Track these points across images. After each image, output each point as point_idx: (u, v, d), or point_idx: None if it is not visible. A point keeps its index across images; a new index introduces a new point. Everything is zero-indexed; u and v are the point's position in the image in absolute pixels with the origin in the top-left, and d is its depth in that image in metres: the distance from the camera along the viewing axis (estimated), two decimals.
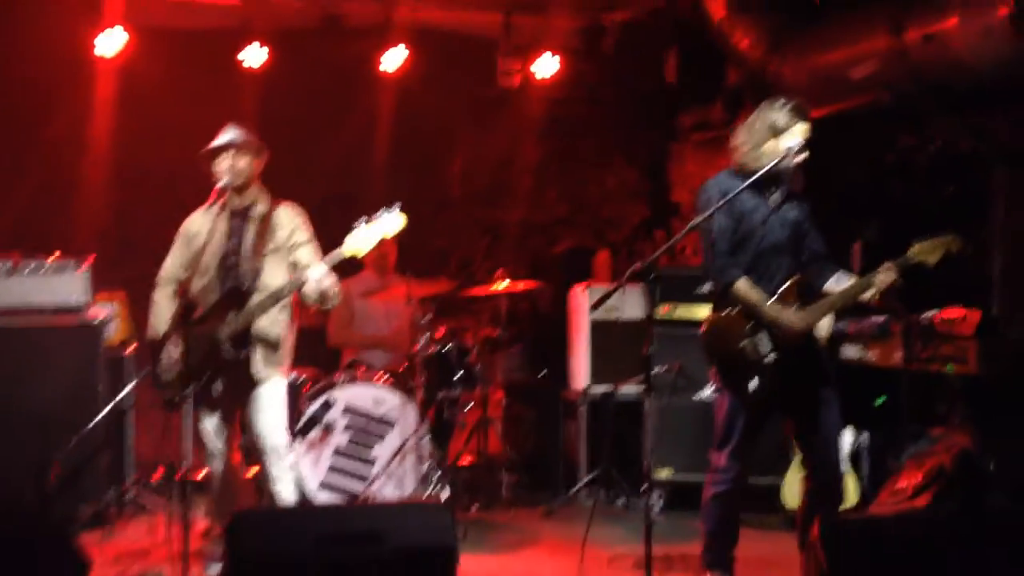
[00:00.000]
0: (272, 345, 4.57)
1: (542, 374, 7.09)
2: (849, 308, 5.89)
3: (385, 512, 3.82)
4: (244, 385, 4.53)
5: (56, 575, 3.74)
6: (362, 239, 4.36)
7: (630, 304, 6.23)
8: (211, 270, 4.58)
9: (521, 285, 6.42)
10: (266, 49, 6.86)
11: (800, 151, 4.08)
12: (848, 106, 6.36)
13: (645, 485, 4.01)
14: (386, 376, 5.85)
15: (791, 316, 4.02)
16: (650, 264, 3.92)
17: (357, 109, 7.44)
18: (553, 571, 4.42)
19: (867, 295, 4.04)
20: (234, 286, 4.50)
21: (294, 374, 5.96)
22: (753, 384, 4.02)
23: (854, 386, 5.71)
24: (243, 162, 4.60)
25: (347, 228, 7.14)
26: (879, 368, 5.55)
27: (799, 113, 4.10)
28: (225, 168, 4.56)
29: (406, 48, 7.05)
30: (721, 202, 4.02)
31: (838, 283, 4.12)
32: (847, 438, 5.45)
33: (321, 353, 6.72)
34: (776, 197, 4.19)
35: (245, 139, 4.63)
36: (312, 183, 7.32)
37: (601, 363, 6.31)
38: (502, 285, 6.27)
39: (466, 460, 6.69)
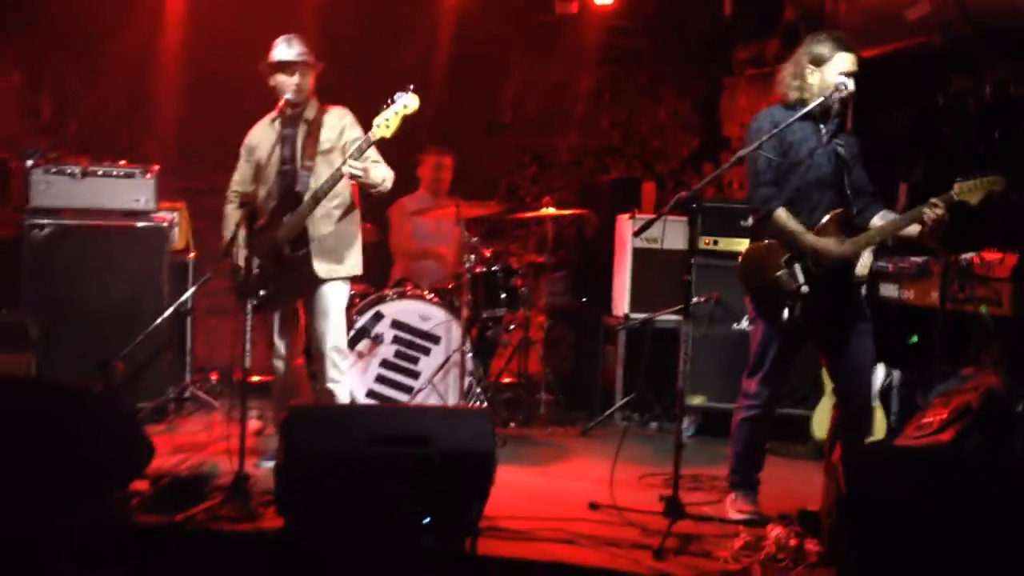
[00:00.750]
0: (330, 245, 4.77)
1: (584, 299, 7.26)
2: (889, 247, 6.06)
3: (432, 416, 4.03)
4: (305, 287, 4.75)
5: (125, 457, 4.06)
6: (385, 122, 4.55)
7: (672, 234, 6.34)
8: (271, 178, 4.80)
9: (567, 212, 6.57)
10: None
11: (848, 83, 4.14)
12: (901, 47, 6.38)
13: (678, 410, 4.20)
14: (433, 293, 6.08)
15: (828, 243, 4.13)
16: (694, 194, 4.07)
17: (415, 30, 7.56)
18: (585, 486, 4.63)
19: (913, 230, 4.12)
20: (289, 190, 4.71)
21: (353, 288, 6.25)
22: (786, 314, 4.15)
23: (890, 324, 5.85)
24: (303, 80, 4.78)
25: (406, 148, 7.44)
26: (915, 307, 5.65)
27: (841, 44, 4.17)
28: (287, 84, 4.75)
29: None
30: (771, 133, 4.12)
31: (883, 220, 4.22)
32: (879, 374, 5.59)
33: (371, 269, 6.96)
34: (827, 131, 4.27)
35: (306, 57, 4.80)
36: (368, 101, 7.46)
37: (641, 291, 6.46)
38: (549, 211, 6.43)
39: (507, 378, 6.96)
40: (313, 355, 4.88)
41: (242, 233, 4.67)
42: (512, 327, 6.69)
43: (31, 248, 5.53)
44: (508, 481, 4.76)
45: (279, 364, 4.90)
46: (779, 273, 4.18)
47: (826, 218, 4.20)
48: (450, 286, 6.23)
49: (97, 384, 4.84)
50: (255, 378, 5.57)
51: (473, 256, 6.01)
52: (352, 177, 4.57)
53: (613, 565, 3.63)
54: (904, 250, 5.82)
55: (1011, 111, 6.25)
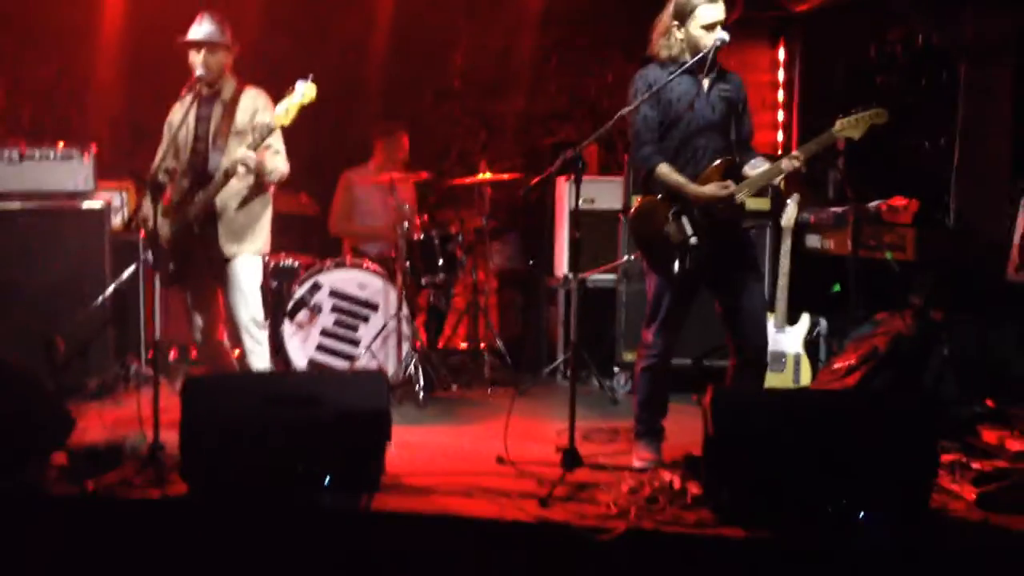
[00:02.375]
0: (238, 223, 4.90)
1: (531, 262, 7.38)
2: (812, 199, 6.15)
3: (325, 378, 4.18)
4: (216, 262, 4.90)
5: (41, 429, 4.22)
6: (285, 111, 4.68)
7: (607, 195, 6.49)
8: (185, 156, 4.93)
9: (504, 176, 6.69)
10: None
11: (707, 33, 4.21)
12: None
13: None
14: (371, 262, 6.21)
15: (712, 187, 4.22)
16: (577, 153, 4.17)
17: (356, 1, 7.65)
18: (500, 443, 4.76)
19: (775, 180, 4.24)
20: (202, 169, 4.85)
21: (290, 260, 6.40)
22: (676, 265, 4.27)
23: (815, 274, 5.98)
24: (215, 59, 4.90)
25: (351, 118, 7.55)
26: (836, 256, 5.76)
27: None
28: (199, 62, 4.86)
29: None
30: (646, 95, 4.22)
31: (752, 168, 4.32)
32: (803, 323, 5.70)
33: (313, 240, 7.12)
34: (709, 79, 4.36)
35: (219, 36, 4.90)
36: (313, 75, 7.58)
37: (581, 251, 6.55)
38: (485, 176, 6.54)
39: (454, 343, 7.11)
40: (226, 328, 5.03)
41: (152, 208, 4.83)
42: (453, 293, 6.85)
43: None
44: (424, 441, 4.97)
45: (198, 337, 5.07)
46: (667, 227, 4.29)
47: (710, 167, 4.29)
48: (392, 255, 6.37)
49: (18, 359, 4.96)
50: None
51: (406, 223, 6.13)
52: (242, 165, 4.69)
53: (500, 515, 3.77)
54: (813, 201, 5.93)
55: (935, 61, 6.33)
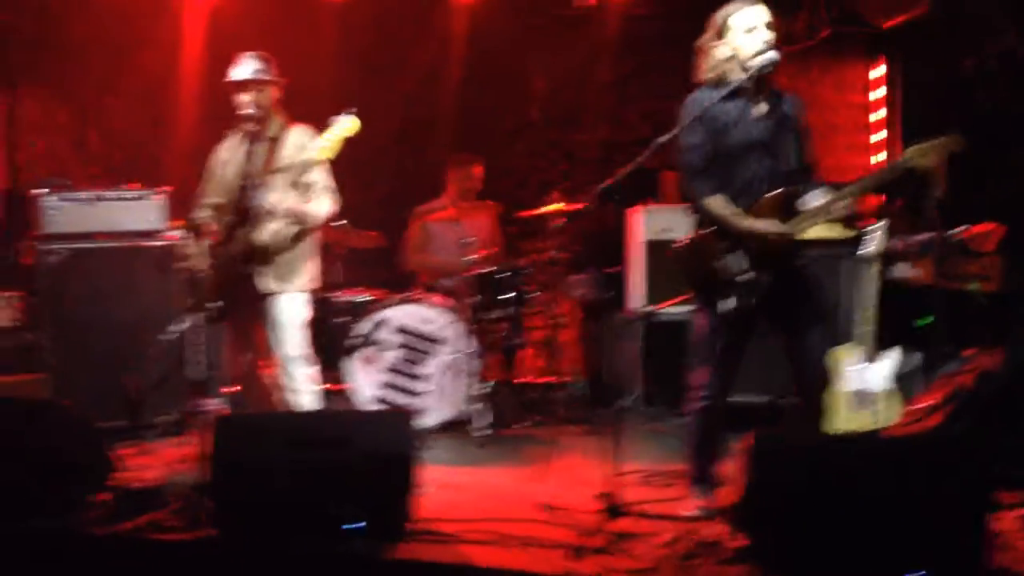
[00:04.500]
0: (281, 260, 4.85)
1: (611, 294, 7.16)
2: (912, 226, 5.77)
3: (352, 419, 4.07)
4: (259, 301, 4.87)
5: (84, 469, 4.24)
6: (328, 144, 4.56)
7: (685, 225, 6.22)
8: (230, 193, 4.94)
9: (575, 206, 6.50)
10: None
11: (769, 56, 3.95)
12: (918, 14, 6.08)
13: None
14: (438, 295, 6.11)
15: (767, 224, 3.96)
16: (616, 182, 3.98)
17: (433, 33, 7.64)
18: (551, 487, 4.54)
19: (839, 214, 3.93)
20: (246, 206, 4.82)
21: (363, 295, 6.36)
22: (729, 303, 4.01)
23: (905, 305, 5.59)
24: (264, 95, 4.89)
25: (430, 150, 7.51)
26: (924, 287, 5.38)
27: (737, 4, 3.98)
28: (242, 102, 4.87)
29: None
30: (690, 121, 4.00)
31: (812, 199, 4.02)
32: (894, 358, 5.32)
33: (380, 275, 7.08)
34: (763, 101, 4.09)
35: (266, 73, 4.91)
36: (390, 109, 7.61)
37: (656, 283, 6.33)
38: (557, 206, 6.38)
39: (526, 378, 6.95)
40: (271, 363, 4.98)
41: (199, 245, 4.87)
42: (527, 327, 6.69)
43: (44, 272, 5.81)
44: (474, 482, 4.82)
45: (246, 376, 5.03)
46: (719, 261, 4.04)
47: (764, 199, 4.02)
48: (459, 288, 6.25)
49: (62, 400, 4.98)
50: None
51: (473, 257, 6.01)
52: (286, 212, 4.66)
53: (526, 566, 3.57)
54: (908, 228, 5.56)
55: None
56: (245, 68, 4.91)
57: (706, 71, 4.08)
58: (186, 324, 5.88)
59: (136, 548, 3.86)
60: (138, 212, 6.08)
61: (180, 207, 6.23)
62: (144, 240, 6.05)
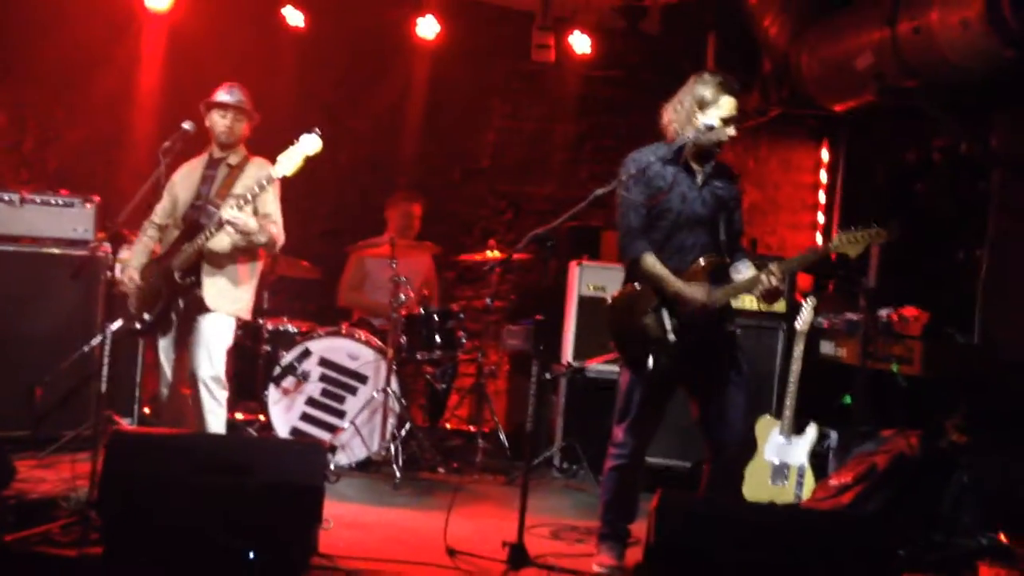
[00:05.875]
0: (221, 280, 4.82)
1: (540, 347, 7.11)
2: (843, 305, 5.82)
3: (260, 446, 3.96)
4: (190, 315, 4.80)
5: None
6: (289, 161, 4.60)
7: (618, 281, 6.22)
8: (181, 212, 4.94)
9: (512, 255, 6.46)
10: (300, 15, 7.08)
11: (722, 127, 4.01)
12: (863, 101, 6.21)
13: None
14: (365, 333, 6.03)
15: (695, 290, 3.97)
16: (548, 232, 3.97)
17: (393, 75, 7.63)
18: (460, 533, 4.43)
19: (753, 292, 3.97)
20: (194, 222, 4.81)
21: (288, 325, 6.25)
22: (651, 361, 3.99)
23: (826, 382, 5.63)
24: (239, 124, 4.97)
25: (378, 189, 7.46)
26: (847, 365, 5.41)
27: (725, 88, 4.04)
28: (219, 124, 4.93)
29: (437, 21, 7.16)
30: (630, 176, 4.02)
31: (736, 271, 4.07)
32: (810, 434, 5.33)
33: (310, 306, 6.99)
34: (703, 173, 4.14)
35: (243, 104, 4.97)
36: (344, 145, 7.59)
37: (585, 339, 6.31)
38: (493, 254, 6.36)
39: (450, 424, 6.86)
40: (189, 383, 4.88)
41: (136, 259, 4.91)
42: (455, 373, 6.63)
43: None
44: (383, 522, 4.74)
45: (164, 390, 4.94)
46: (646, 319, 4.03)
47: (696, 264, 4.04)
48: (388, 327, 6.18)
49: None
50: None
51: (403, 296, 5.95)
52: (227, 223, 4.58)
53: None
54: (838, 307, 5.61)
55: (974, 170, 6.03)
56: (232, 94, 4.98)
57: (680, 130, 4.10)
58: (99, 338, 5.74)
59: (16, 560, 3.69)
60: (65, 220, 5.92)
61: (112, 219, 6.14)
62: (68, 248, 5.89)
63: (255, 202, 4.77)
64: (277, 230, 4.92)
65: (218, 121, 4.96)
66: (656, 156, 4.11)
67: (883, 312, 4.99)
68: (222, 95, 5.00)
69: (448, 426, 6.96)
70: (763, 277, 3.91)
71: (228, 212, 4.61)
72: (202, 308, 4.81)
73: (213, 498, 3.62)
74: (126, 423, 6.03)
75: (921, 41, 4.96)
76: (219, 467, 3.67)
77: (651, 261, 4.03)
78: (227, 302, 4.86)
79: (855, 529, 3.37)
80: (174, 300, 4.83)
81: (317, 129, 4.67)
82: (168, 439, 3.89)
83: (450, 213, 7.85)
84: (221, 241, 4.79)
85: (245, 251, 4.90)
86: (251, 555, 3.62)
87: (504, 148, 8.02)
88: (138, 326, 4.96)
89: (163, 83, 7.33)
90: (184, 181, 5.01)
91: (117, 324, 5.76)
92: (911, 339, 4.78)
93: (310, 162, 4.69)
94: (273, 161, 4.70)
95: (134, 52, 7.30)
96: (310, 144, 4.63)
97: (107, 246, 5.95)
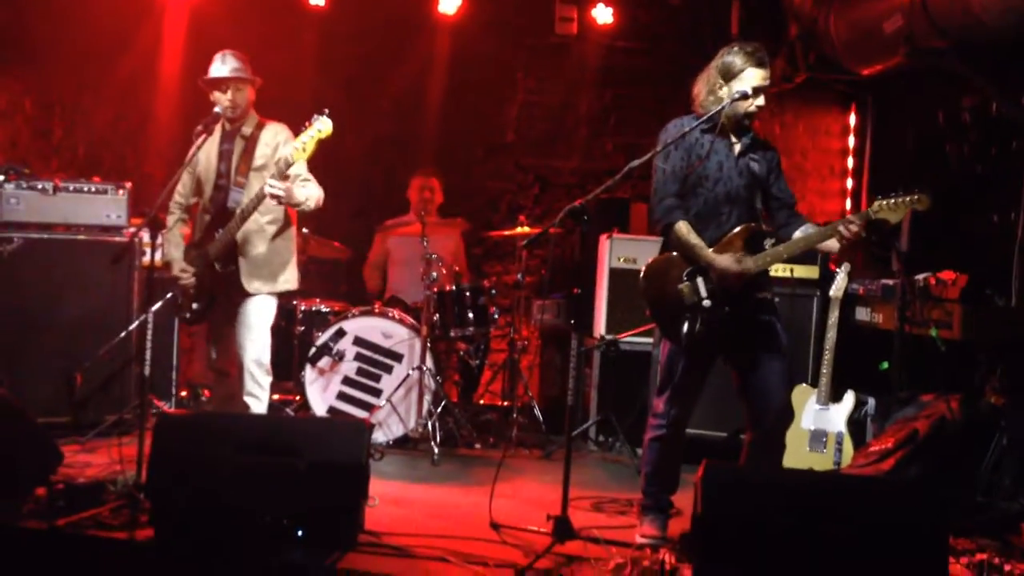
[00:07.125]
0: (261, 261, 4.81)
1: (572, 321, 7.12)
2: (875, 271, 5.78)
3: (304, 426, 3.99)
4: (235, 301, 4.81)
5: (29, 466, 4.13)
6: (302, 144, 4.54)
7: (651, 254, 6.20)
8: (208, 192, 4.90)
9: (540, 229, 6.46)
10: None
11: (751, 96, 3.98)
12: (892, 64, 6.14)
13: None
14: (399, 311, 6.05)
15: (726, 259, 3.96)
16: (583, 204, 3.96)
17: (415, 51, 7.61)
18: (503, 506, 4.45)
19: (832, 245, 3.93)
20: (222, 206, 4.78)
21: (321, 305, 6.28)
22: (686, 328, 3.98)
23: (863, 349, 5.60)
24: (242, 94, 4.85)
25: (403, 167, 7.46)
26: (884, 331, 5.38)
27: (752, 58, 4.00)
28: (221, 100, 4.81)
29: None
30: (665, 145, 4.00)
31: (803, 234, 4.02)
32: (848, 401, 5.32)
33: (342, 286, 7.00)
34: (741, 145, 4.11)
35: (239, 72, 4.85)
36: (367, 123, 7.57)
37: (617, 311, 6.31)
38: (522, 229, 6.35)
39: (484, 399, 6.88)
40: (234, 365, 4.90)
41: (175, 251, 4.91)
42: (488, 348, 6.64)
43: None
44: (424, 499, 4.76)
45: (216, 378, 4.96)
46: (680, 286, 4.02)
47: (732, 232, 4.02)
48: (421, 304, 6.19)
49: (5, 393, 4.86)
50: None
51: (435, 274, 5.96)
52: (272, 197, 4.57)
53: None
54: (875, 272, 5.57)
55: (1007, 130, 5.95)
56: (224, 66, 4.87)
57: (704, 102, 4.07)
58: (137, 323, 5.79)
59: (71, 544, 3.74)
60: (99, 206, 5.96)
61: (143, 204, 6.17)
62: (102, 235, 5.93)
63: (277, 174, 4.67)
64: (315, 186, 4.84)
65: (220, 98, 4.85)
66: (692, 124, 4.08)
67: (920, 276, 4.95)
68: (215, 69, 4.87)
69: (482, 402, 6.99)
70: (842, 228, 3.86)
71: (270, 186, 4.54)
72: (243, 292, 4.80)
73: (261, 478, 3.65)
74: (165, 406, 6.11)
75: (952, 1, 4.89)
76: (266, 448, 3.70)
77: (685, 229, 4.02)
78: (269, 282, 4.85)
79: (902, 495, 3.36)
80: (218, 287, 4.83)
81: (327, 110, 4.63)
82: (214, 421, 3.93)
83: (476, 189, 7.85)
84: (255, 221, 4.77)
85: (279, 226, 4.88)
86: (300, 533, 3.67)
87: (528, 122, 7.99)
88: (187, 315, 4.98)
89: (186, 66, 7.31)
90: (202, 158, 4.94)
91: (155, 308, 5.87)
92: (950, 302, 4.74)
93: (332, 142, 4.64)
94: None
95: (156, 35, 7.30)
96: (321, 127, 4.56)
97: (143, 232, 6.04)
